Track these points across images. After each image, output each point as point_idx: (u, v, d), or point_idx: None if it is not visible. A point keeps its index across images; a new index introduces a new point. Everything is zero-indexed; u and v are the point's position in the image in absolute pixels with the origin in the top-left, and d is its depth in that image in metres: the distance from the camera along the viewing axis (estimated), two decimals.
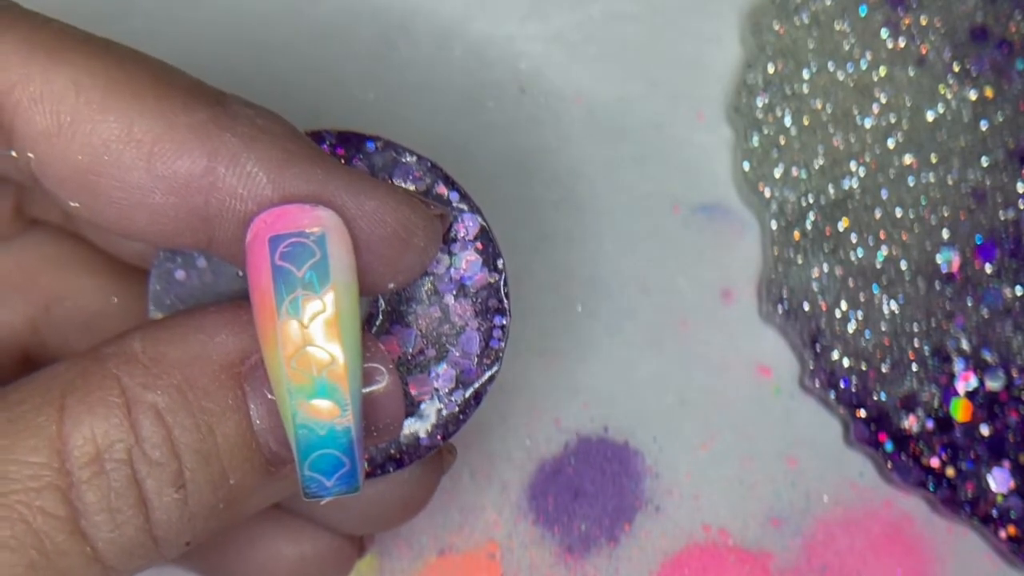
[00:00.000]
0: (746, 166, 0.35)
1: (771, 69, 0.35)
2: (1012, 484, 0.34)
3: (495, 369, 0.26)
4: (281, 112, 0.35)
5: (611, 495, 0.35)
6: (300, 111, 0.35)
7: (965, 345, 0.34)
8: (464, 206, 0.26)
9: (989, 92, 0.35)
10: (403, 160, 0.26)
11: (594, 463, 0.35)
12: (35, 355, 0.29)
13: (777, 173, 0.35)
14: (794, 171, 0.35)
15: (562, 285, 0.35)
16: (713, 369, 0.35)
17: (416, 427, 0.26)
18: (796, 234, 0.35)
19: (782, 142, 0.35)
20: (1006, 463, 0.34)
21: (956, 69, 0.35)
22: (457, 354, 0.26)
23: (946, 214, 0.35)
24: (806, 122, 0.35)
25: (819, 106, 0.35)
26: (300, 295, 0.23)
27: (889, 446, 0.34)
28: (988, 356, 0.34)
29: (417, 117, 0.35)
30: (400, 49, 0.36)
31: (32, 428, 0.23)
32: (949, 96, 0.35)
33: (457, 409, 0.26)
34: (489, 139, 0.36)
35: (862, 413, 0.34)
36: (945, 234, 0.35)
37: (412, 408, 0.26)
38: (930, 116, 0.35)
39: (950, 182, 0.35)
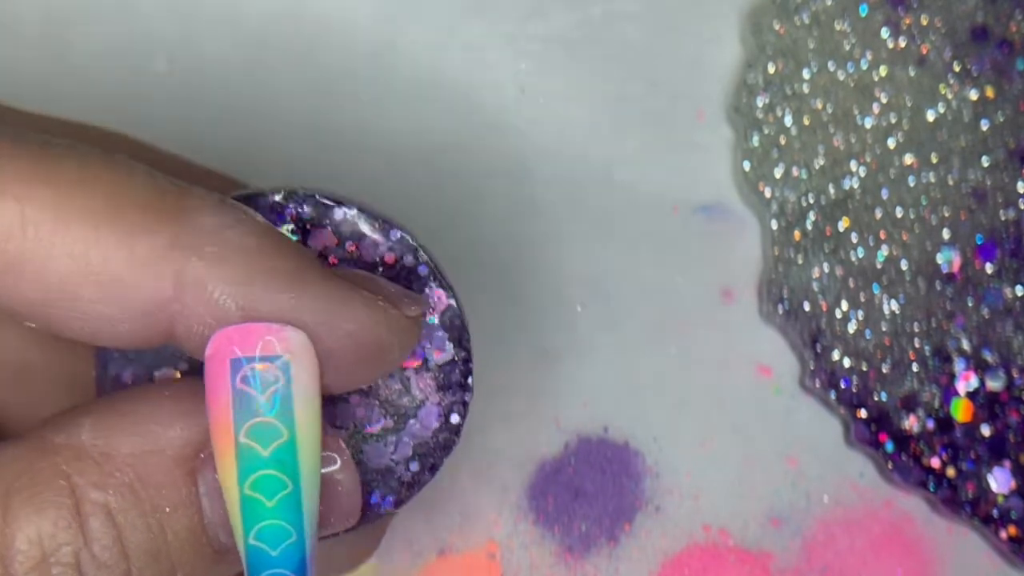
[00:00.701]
0: (746, 166, 0.35)
1: (771, 69, 0.35)
2: (1013, 484, 0.34)
3: (453, 443, 0.26)
4: (280, 111, 0.35)
5: (611, 495, 0.35)
6: (300, 111, 0.35)
7: (966, 345, 0.34)
8: (433, 281, 0.26)
9: (990, 92, 0.35)
10: (371, 233, 0.26)
11: (594, 463, 0.35)
12: None
13: (777, 173, 0.35)
14: (794, 171, 0.35)
15: (562, 285, 0.35)
16: (713, 369, 0.35)
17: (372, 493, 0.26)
18: (796, 234, 0.35)
19: (782, 142, 0.35)
20: (1007, 463, 0.34)
21: (957, 69, 0.35)
22: (416, 427, 0.26)
23: (947, 214, 0.35)
24: (806, 122, 0.35)
25: (819, 106, 0.35)
26: (260, 422, 0.22)
27: (889, 446, 0.34)
28: (989, 356, 0.34)
29: (416, 117, 0.35)
30: (399, 49, 0.36)
31: None
32: (950, 96, 0.35)
33: (411, 479, 0.26)
34: (488, 139, 0.36)
35: (862, 413, 0.34)
36: (946, 234, 0.35)
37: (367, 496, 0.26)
38: (931, 116, 0.35)
39: (951, 182, 0.35)
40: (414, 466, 0.26)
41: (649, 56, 0.36)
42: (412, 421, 0.26)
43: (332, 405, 0.26)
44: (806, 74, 0.35)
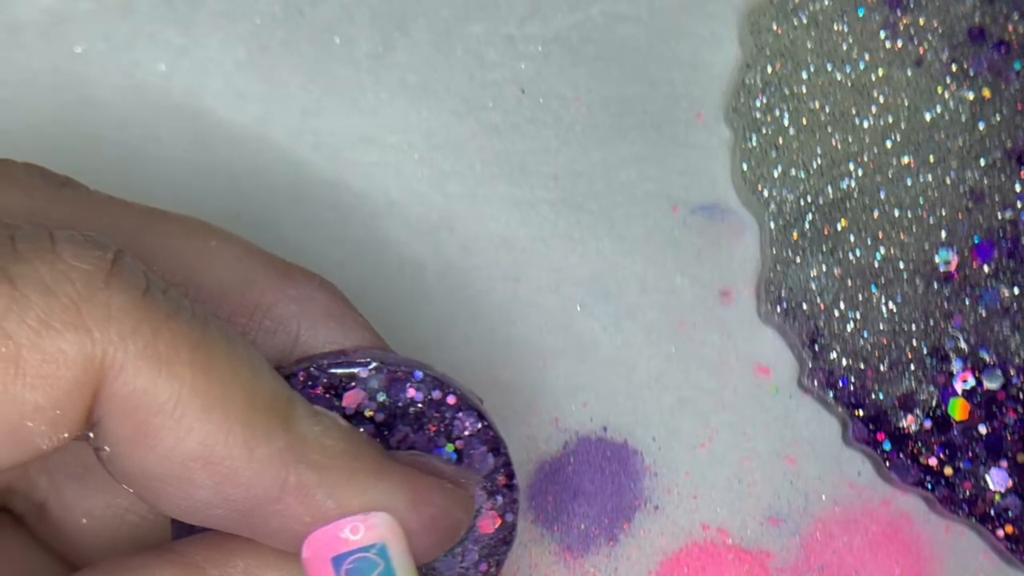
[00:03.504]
0: (745, 166, 0.35)
1: (769, 70, 0.35)
2: (1010, 483, 0.34)
3: (512, 537, 0.29)
4: (280, 111, 0.35)
5: (610, 494, 0.35)
6: (299, 111, 0.35)
7: (963, 345, 0.34)
8: (463, 409, 0.28)
9: (987, 93, 0.35)
10: (398, 379, 0.28)
11: (593, 462, 0.35)
12: (18, 490, 0.28)
13: (775, 173, 0.35)
14: (792, 171, 0.35)
15: (562, 285, 0.35)
16: (712, 369, 0.35)
17: None
18: (794, 234, 0.35)
19: (780, 142, 0.35)
20: (1004, 462, 0.34)
21: (954, 70, 0.35)
22: (476, 533, 0.28)
23: (944, 214, 0.35)
24: (804, 123, 0.35)
25: (817, 107, 0.35)
26: None
27: (887, 445, 0.34)
28: (986, 356, 0.34)
29: (417, 118, 0.35)
30: (400, 50, 0.36)
31: None
32: (947, 96, 0.35)
33: None
34: (489, 139, 0.36)
35: (860, 412, 0.34)
36: (943, 234, 0.35)
37: None
38: (928, 116, 0.35)
39: (948, 182, 0.35)
40: (482, 567, 0.28)
41: (648, 57, 0.36)
42: (473, 530, 0.28)
43: None
44: (804, 75, 0.35)
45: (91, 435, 0.23)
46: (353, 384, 0.27)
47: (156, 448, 0.23)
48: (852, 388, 0.34)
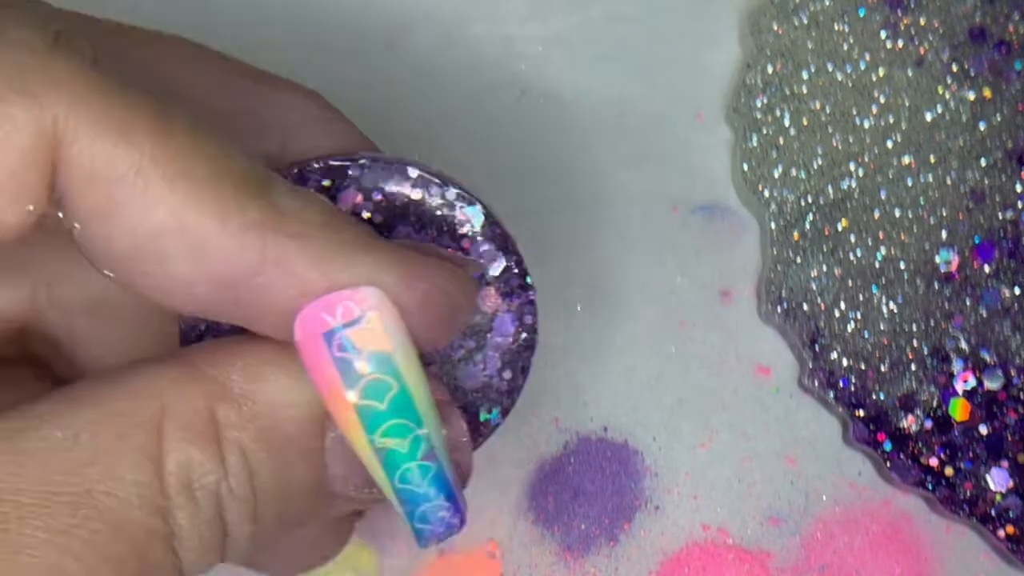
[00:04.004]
0: (745, 166, 0.35)
1: (770, 70, 0.35)
2: (1010, 483, 0.34)
3: (534, 341, 0.28)
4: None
5: (611, 494, 0.35)
6: None
7: (964, 345, 0.34)
8: (464, 201, 0.27)
9: (987, 93, 0.35)
10: (391, 178, 0.27)
11: (594, 462, 0.35)
12: (33, 330, 0.29)
13: (776, 173, 0.35)
14: (793, 171, 0.35)
15: (562, 285, 0.35)
16: (712, 369, 0.35)
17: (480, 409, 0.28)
18: (795, 234, 0.35)
19: (781, 143, 0.35)
20: (1004, 463, 0.34)
21: (955, 70, 0.35)
22: (496, 339, 0.27)
23: (945, 214, 0.35)
24: (805, 123, 0.35)
25: (818, 107, 0.35)
26: (368, 381, 0.24)
27: (888, 446, 0.34)
28: (987, 356, 0.34)
29: (417, 119, 0.35)
30: (400, 50, 0.36)
31: (138, 447, 0.23)
32: (948, 97, 0.35)
33: (508, 387, 0.28)
34: (489, 140, 0.36)
35: (861, 413, 0.34)
36: (944, 234, 0.35)
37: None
38: (929, 117, 0.35)
39: (948, 182, 0.35)
40: (507, 374, 0.27)
41: (649, 57, 0.36)
42: (491, 335, 0.27)
43: None
44: (805, 75, 0.35)
45: (61, 215, 0.23)
46: (347, 184, 0.26)
47: (125, 222, 0.23)
48: (853, 388, 0.34)
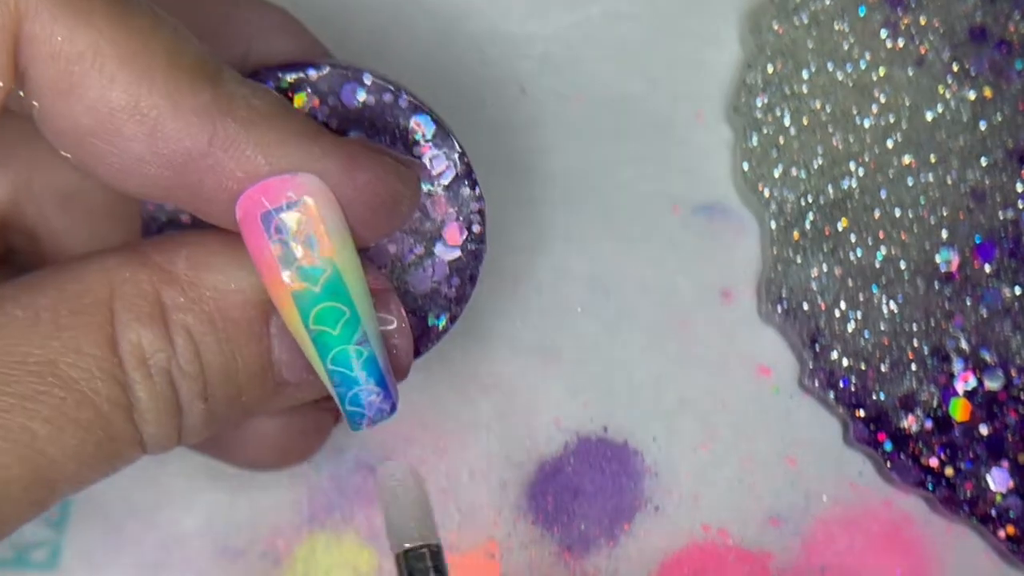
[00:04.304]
0: (745, 166, 0.35)
1: (770, 69, 0.35)
2: (1011, 484, 0.34)
3: (482, 251, 0.29)
4: None
5: (610, 495, 0.35)
6: None
7: (964, 345, 0.34)
8: (416, 113, 0.28)
9: (988, 92, 0.35)
10: (346, 83, 0.28)
11: (594, 463, 0.35)
12: (12, 224, 0.30)
13: (776, 173, 0.35)
14: (793, 171, 0.35)
15: (562, 285, 0.35)
16: (713, 369, 0.35)
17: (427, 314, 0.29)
18: (795, 234, 0.35)
19: (781, 142, 0.35)
20: (1005, 463, 0.34)
21: (955, 69, 0.35)
22: (444, 246, 0.28)
23: (945, 214, 0.35)
24: (805, 122, 0.35)
25: (818, 106, 0.35)
26: (303, 264, 0.25)
27: (888, 446, 0.34)
28: (987, 356, 0.34)
29: None
30: (400, 48, 0.36)
31: (93, 325, 0.25)
32: (948, 96, 0.35)
33: (456, 294, 0.28)
34: (489, 139, 0.36)
35: (861, 413, 0.34)
36: (944, 234, 0.35)
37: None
38: (929, 116, 0.35)
39: (949, 182, 0.35)
40: (455, 281, 0.28)
41: (649, 56, 0.36)
42: (439, 242, 0.28)
43: (366, 249, 0.28)
44: (805, 74, 0.35)
45: (22, 93, 0.24)
46: (304, 87, 0.28)
47: (82, 99, 0.24)
48: (853, 388, 0.34)
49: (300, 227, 0.25)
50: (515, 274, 0.35)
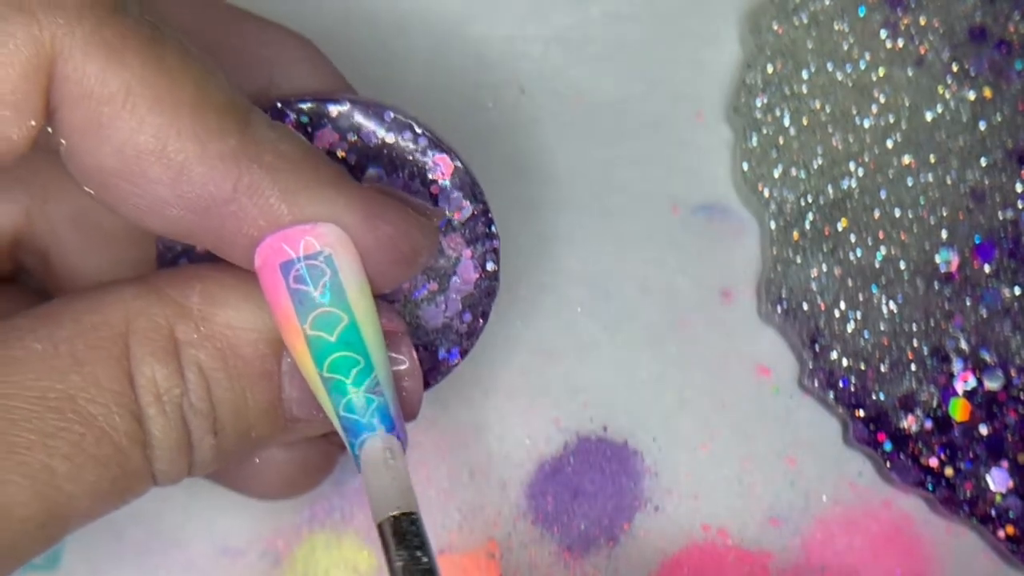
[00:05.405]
0: (745, 166, 0.35)
1: (770, 69, 0.35)
2: (1011, 484, 0.34)
3: (495, 288, 0.29)
4: None
5: (610, 495, 0.35)
6: None
7: (964, 345, 0.34)
8: (435, 150, 0.28)
9: (988, 92, 0.35)
10: (367, 120, 0.28)
11: (593, 463, 0.35)
12: (25, 243, 0.30)
13: (776, 173, 0.35)
14: (793, 171, 0.35)
15: (562, 285, 0.35)
16: (712, 369, 0.35)
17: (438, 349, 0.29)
18: (795, 234, 0.35)
19: (781, 142, 0.35)
20: (1004, 463, 0.34)
21: (955, 69, 0.35)
22: (458, 282, 0.29)
23: (945, 214, 0.35)
24: (805, 122, 0.35)
25: (818, 106, 0.35)
26: (320, 313, 0.25)
27: (888, 446, 0.34)
28: (987, 356, 0.34)
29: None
30: (400, 50, 0.36)
31: (111, 359, 0.25)
32: (948, 96, 0.35)
33: (467, 329, 0.29)
34: (489, 139, 0.36)
35: (861, 413, 0.34)
36: (944, 234, 0.35)
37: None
38: (929, 116, 0.35)
39: (949, 182, 0.35)
40: (467, 317, 0.29)
41: (649, 56, 0.36)
42: (454, 278, 0.28)
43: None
44: (805, 75, 0.35)
45: (50, 129, 0.24)
46: (324, 122, 0.28)
47: (110, 140, 0.24)
48: (853, 388, 0.34)
49: (319, 277, 0.25)
50: (515, 274, 0.35)
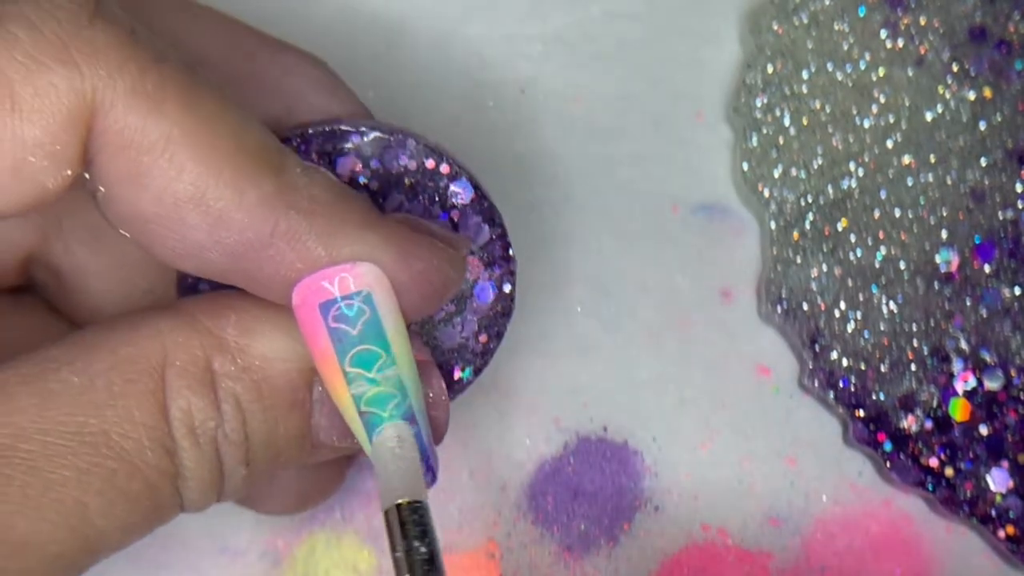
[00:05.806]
0: (745, 166, 0.35)
1: (770, 69, 0.35)
2: (1011, 484, 0.34)
3: (511, 309, 0.29)
4: None
5: (610, 495, 0.35)
6: None
7: (964, 345, 0.34)
8: (456, 176, 0.29)
9: (988, 92, 0.35)
10: (389, 147, 0.28)
11: (593, 463, 0.35)
12: (38, 259, 0.30)
13: (776, 173, 0.35)
14: (793, 171, 0.35)
15: (562, 285, 0.35)
16: (712, 369, 0.35)
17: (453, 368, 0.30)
18: (795, 234, 0.35)
19: (781, 142, 0.35)
20: (1004, 463, 0.34)
21: (955, 69, 0.35)
22: (475, 304, 0.29)
23: (945, 214, 0.35)
24: (805, 122, 0.35)
25: (818, 106, 0.35)
26: (359, 351, 0.25)
27: (888, 446, 0.34)
28: (987, 356, 0.34)
29: (417, 118, 0.35)
30: (400, 50, 0.36)
31: (147, 392, 0.25)
32: (948, 96, 0.35)
33: (482, 349, 0.29)
34: (489, 139, 0.36)
35: (861, 413, 0.34)
36: (944, 234, 0.35)
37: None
38: (929, 116, 0.35)
39: (949, 182, 0.35)
40: (483, 337, 0.29)
41: (649, 56, 0.36)
42: (471, 300, 0.29)
43: None
44: (805, 75, 0.35)
45: (88, 176, 0.24)
46: (347, 150, 0.28)
47: (149, 188, 0.24)
48: (853, 388, 0.34)
49: (358, 316, 0.25)
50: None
